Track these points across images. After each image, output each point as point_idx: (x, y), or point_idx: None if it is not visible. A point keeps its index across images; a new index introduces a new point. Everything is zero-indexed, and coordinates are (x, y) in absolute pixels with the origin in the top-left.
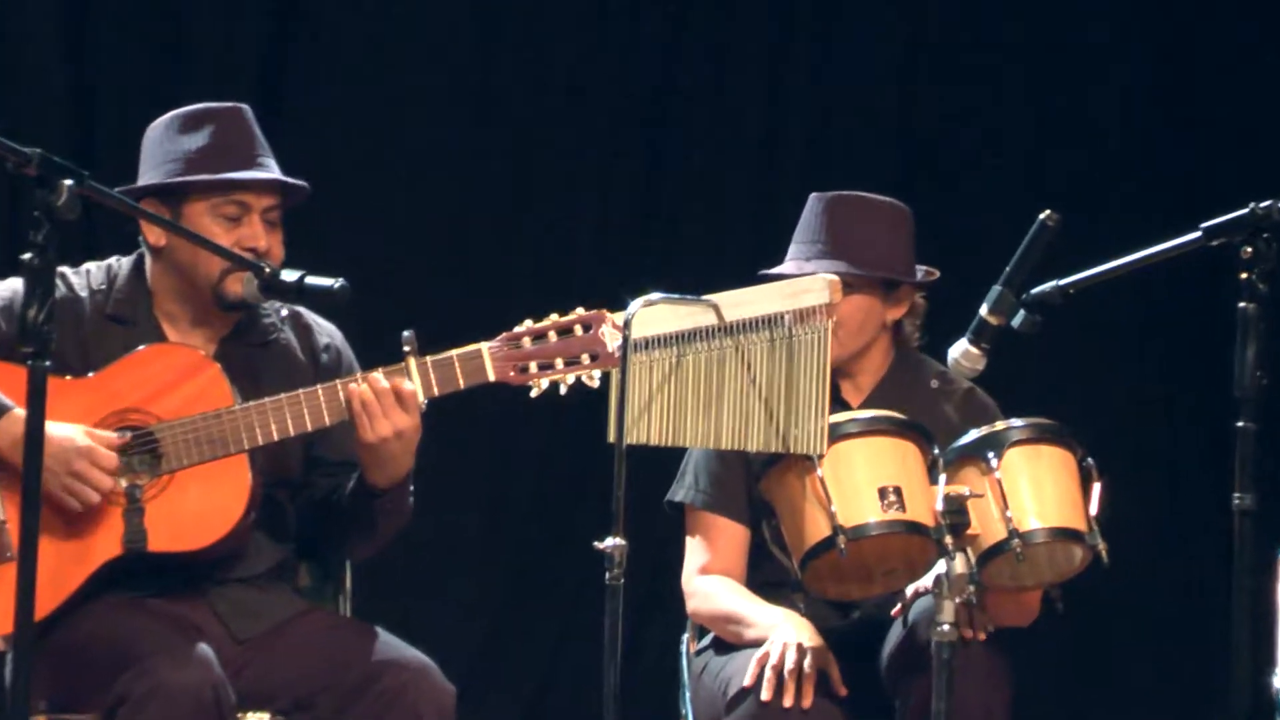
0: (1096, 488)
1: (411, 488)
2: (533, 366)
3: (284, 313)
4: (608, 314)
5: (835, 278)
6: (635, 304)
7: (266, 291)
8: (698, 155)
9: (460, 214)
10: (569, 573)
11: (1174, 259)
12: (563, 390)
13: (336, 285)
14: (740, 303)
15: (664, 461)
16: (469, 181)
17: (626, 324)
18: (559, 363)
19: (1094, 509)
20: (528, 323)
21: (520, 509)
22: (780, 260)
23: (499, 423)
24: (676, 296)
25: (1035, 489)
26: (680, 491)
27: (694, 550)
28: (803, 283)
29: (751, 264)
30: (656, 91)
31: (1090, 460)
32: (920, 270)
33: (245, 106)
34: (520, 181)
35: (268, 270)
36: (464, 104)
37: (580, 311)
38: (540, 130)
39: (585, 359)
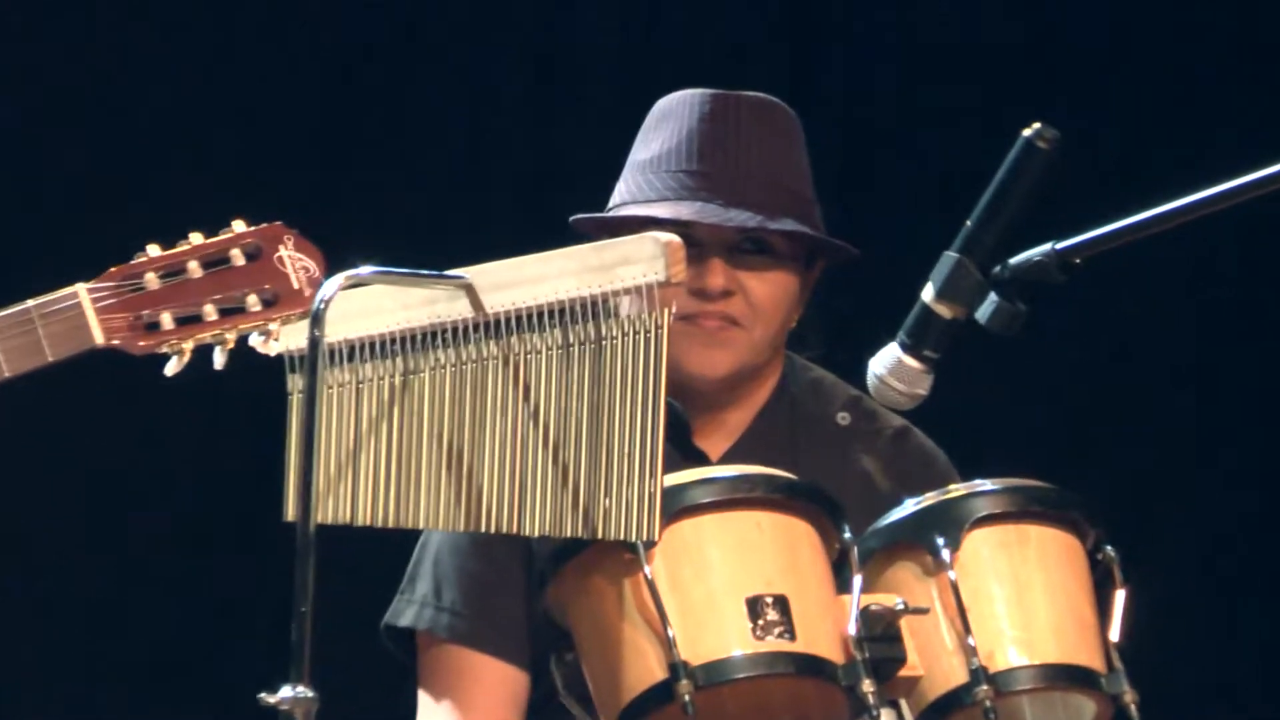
0: (1120, 596)
1: None
2: (167, 319)
3: None
4: (288, 230)
5: (674, 238)
6: (330, 283)
7: None
8: (430, 42)
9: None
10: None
11: (1253, 202)
12: (219, 361)
13: None
14: (512, 280)
15: (394, 541)
16: (43, 109)
17: (316, 318)
18: (210, 311)
19: (1116, 632)
20: (153, 249)
21: (144, 604)
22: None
23: (117, 431)
24: (402, 271)
25: (1017, 600)
26: (409, 611)
27: (433, 710)
28: (622, 247)
29: (536, 218)
30: None
31: (1110, 549)
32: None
33: None
34: (129, 94)
35: None
36: None
37: (241, 227)
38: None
39: (254, 303)
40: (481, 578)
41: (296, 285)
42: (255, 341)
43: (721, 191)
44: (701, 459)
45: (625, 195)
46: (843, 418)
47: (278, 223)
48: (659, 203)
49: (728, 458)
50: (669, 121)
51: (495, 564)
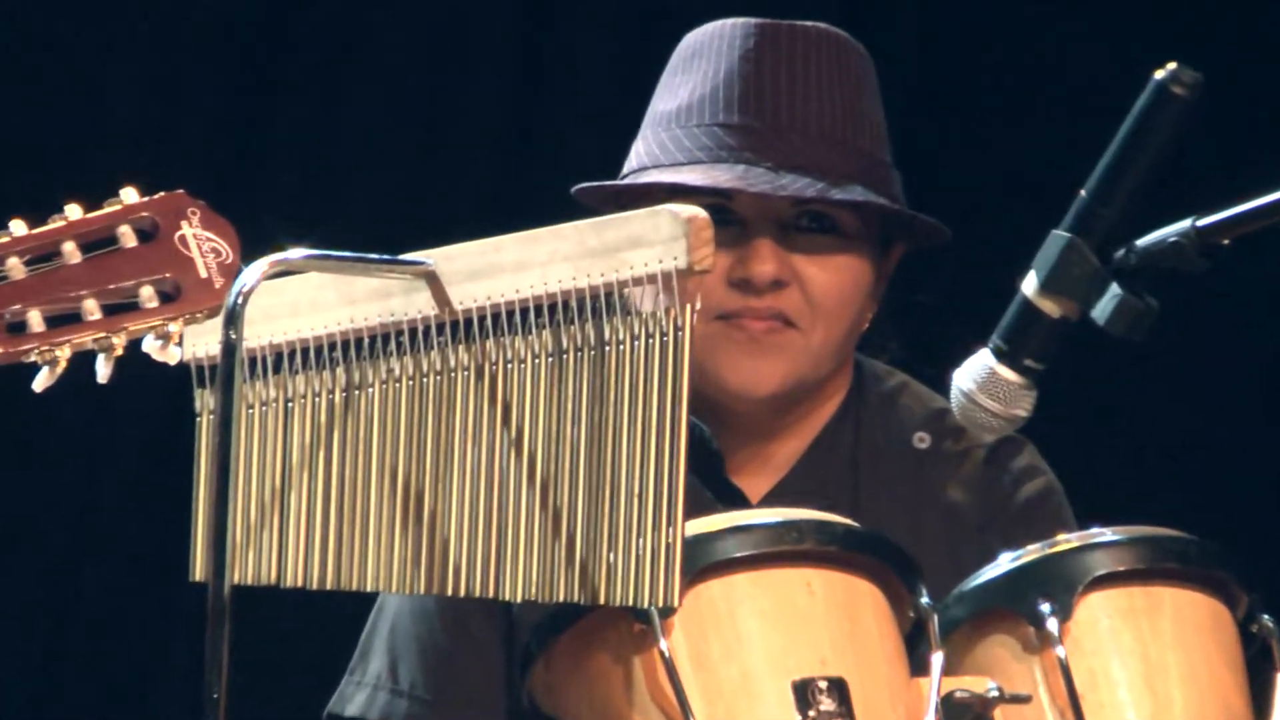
0: None
1: None
2: (35, 319)
3: None
4: (193, 201)
5: (699, 212)
6: (252, 269)
7: None
8: None
9: None
10: None
11: None
12: (103, 373)
13: None
14: (488, 267)
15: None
16: None
17: (232, 316)
18: (91, 308)
19: None
20: (17, 226)
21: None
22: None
23: None
24: (345, 255)
25: (1146, 684)
26: (359, 696)
27: None
28: (631, 224)
29: (519, 188)
30: None
31: (1268, 619)
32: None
33: None
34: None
35: None
36: None
37: (132, 196)
38: None
39: (148, 297)
40: (449, 653)
41: (204, 274)
42: (150, 346)
43: (771, 151)
44: (738, 500)
45: (645, 158)
46: (920, 439)
47: (179, 191)
48: (689, 166)
49: (771, 498)
50: (701, 61)
51: (467, 636)
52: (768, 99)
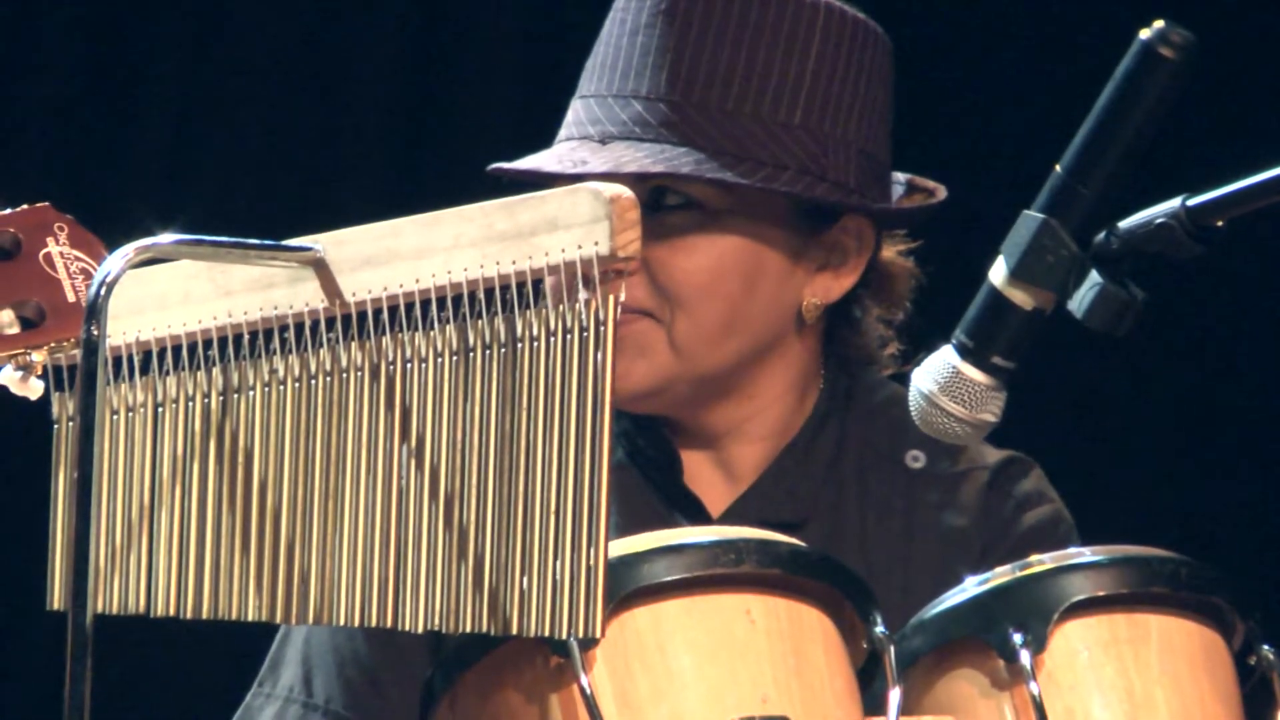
0: None
1: None
2: None
3: None
4: (60, 216)
5: (623, 191)
6: (116, 257)
7: None
8: None
9: None
10: None
11: None
12: None
13: None
14: (384, 254)
15: None
16: None
17: (93, 309)
18: None
19: None
20: None
21: None
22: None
23: None
24: (221, 240)
25: None
26: (268, 710)
27: None
28: (546, 205)
29: (419, 166)
30: None
31: (1269, 650)
32: (899, 184)
33: None
34: None
35: None
36: None
37: None
38: None
39: (8, 322)
40: (371, 666)
41: (72, 297)
42: (9, 379)
43: (605, 122)
44: (695, 510)
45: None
46: (914, 458)
47: (45, 204)
48: (546, 150)
49: (733, 514)
50: (609, 24)
51: (392, 647)
52: (622, 61)
